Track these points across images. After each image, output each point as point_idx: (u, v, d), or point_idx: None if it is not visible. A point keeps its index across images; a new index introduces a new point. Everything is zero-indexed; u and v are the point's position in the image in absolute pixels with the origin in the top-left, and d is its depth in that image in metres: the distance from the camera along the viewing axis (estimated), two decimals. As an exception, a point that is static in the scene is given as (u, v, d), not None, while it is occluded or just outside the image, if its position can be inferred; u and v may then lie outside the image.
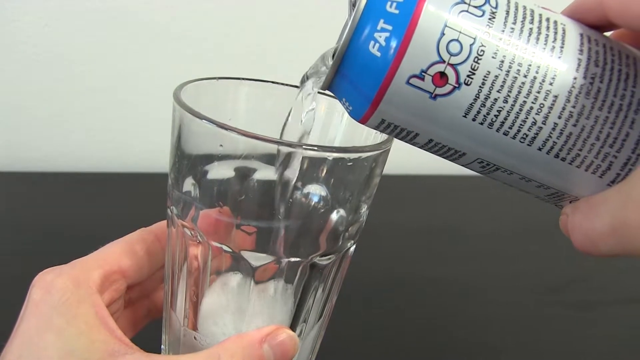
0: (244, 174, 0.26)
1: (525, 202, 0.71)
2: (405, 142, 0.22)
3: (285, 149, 0.25)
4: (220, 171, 0.26)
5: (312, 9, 0.66)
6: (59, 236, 0.49)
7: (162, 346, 0.31)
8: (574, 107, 0.20)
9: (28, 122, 0.66)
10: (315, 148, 0.25)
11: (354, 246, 0.29)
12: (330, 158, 0.25)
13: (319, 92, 0.26)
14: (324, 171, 0.26)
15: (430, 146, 0.22)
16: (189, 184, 0.26)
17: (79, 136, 0.67)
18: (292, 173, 0.25)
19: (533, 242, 0.60)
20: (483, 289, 0.49)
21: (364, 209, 0.28)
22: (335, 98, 0.23)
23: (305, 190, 0.27)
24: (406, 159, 0.77)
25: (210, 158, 0.26)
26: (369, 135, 0.28)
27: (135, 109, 0.66)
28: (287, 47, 0.66)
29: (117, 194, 0.60)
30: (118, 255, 0.27)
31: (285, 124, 0.26)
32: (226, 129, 0.23)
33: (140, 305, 0.31)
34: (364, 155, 0.25)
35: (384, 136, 0.26)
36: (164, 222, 0.29)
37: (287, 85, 0.30)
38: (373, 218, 0.59)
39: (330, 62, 0.21)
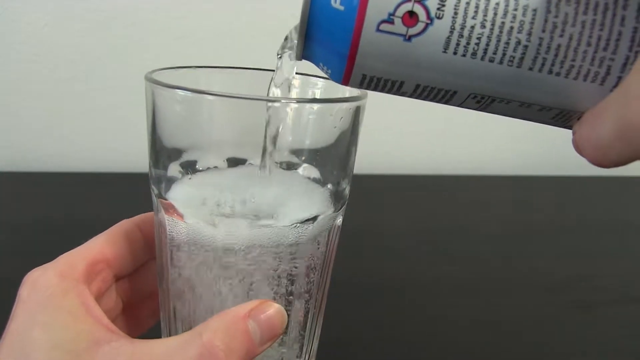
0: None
1: (525, 202, 0.71)
2: (394, 94, 0.21)
3: (258, 105, 0.24)
4: (196, 153, 0.26)
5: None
6: (58, 236, 0.49)
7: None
8: (556, 17, 0.18)
9: (28, 122, 0.66)
10: (294, 101, 0.24)
11: (341, 218, 0.29)
12: (304, 110, 0.25)
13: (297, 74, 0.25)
14: (300, 129, 0.26)
15: (419, 92, 0.21)
16: (166, 162, 0.27)
17: (79, 136, 0.67)
18: (271, 131, 0.25)
19: (533, 242, 0.60)
20: (483, 289, 0.49)
21: (344, 177, 0.28)
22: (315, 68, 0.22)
23: (283, 153, 0.27)
24: (406, 159, 0.77)
25: (185, 130, 0.26)
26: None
27: (136, 110, 0.66)
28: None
29: (117, 194, 0.60)
30: (100, 245, 0.28)
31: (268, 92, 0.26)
32: (193, 91, 0.23)
33: (143, 306, 0.31)
34: (336, 106, 0.25)
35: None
36: (147, 213, 0.30)
37: (261, 69, 0.30)
38: (373, 218, 0.60)
39: (295, 33, 0.21)
